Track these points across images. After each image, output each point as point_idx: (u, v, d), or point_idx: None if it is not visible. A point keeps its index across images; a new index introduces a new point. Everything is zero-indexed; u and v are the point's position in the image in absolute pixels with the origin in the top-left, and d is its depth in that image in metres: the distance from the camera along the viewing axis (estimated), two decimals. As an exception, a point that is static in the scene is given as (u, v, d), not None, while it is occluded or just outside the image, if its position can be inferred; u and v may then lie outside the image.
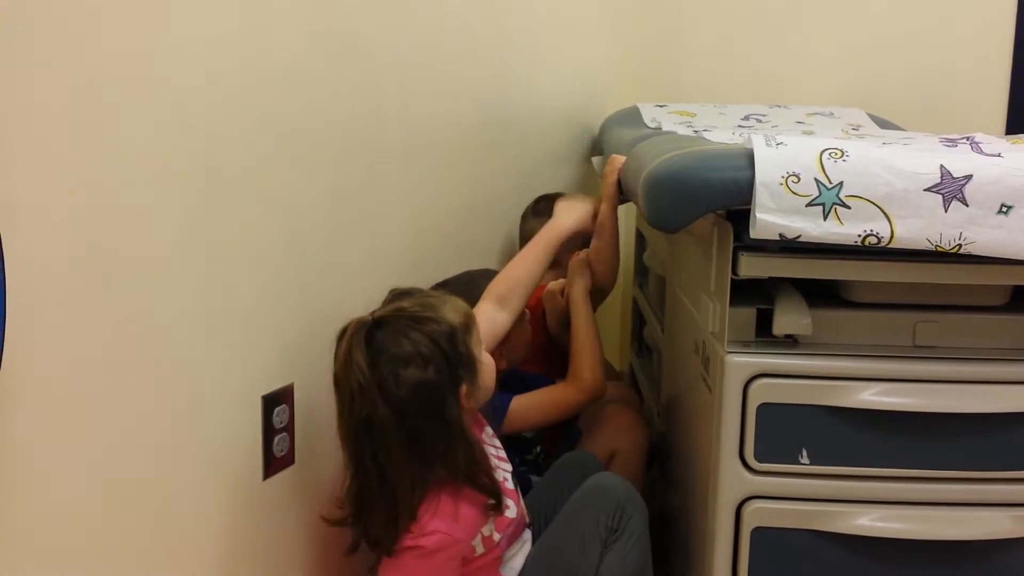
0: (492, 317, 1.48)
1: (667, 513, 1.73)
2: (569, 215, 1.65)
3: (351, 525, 1.23)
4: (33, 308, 0.86)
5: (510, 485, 1.36)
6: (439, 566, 1.21)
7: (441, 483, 1.22)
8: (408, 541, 1.20)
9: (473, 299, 1.48)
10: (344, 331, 1.22)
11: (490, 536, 1.29)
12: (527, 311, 1.68)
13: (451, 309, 1.26)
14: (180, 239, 1.04)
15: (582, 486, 1.38)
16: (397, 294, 1.31)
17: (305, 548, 1.31)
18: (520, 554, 1.37)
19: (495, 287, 1.51)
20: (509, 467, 1.40)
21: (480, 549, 1.28)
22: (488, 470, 1.27)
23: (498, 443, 1.43)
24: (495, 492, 1.25)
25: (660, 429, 1.90)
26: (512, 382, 1.63)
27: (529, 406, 1.56)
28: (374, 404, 1.17)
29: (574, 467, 1.51)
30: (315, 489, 1.33)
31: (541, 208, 1.94)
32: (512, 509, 1.33)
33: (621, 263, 2.57)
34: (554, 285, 1.77)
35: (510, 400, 1.53)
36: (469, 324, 1.28)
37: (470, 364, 1.25)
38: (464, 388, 1.24)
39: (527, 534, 1.39)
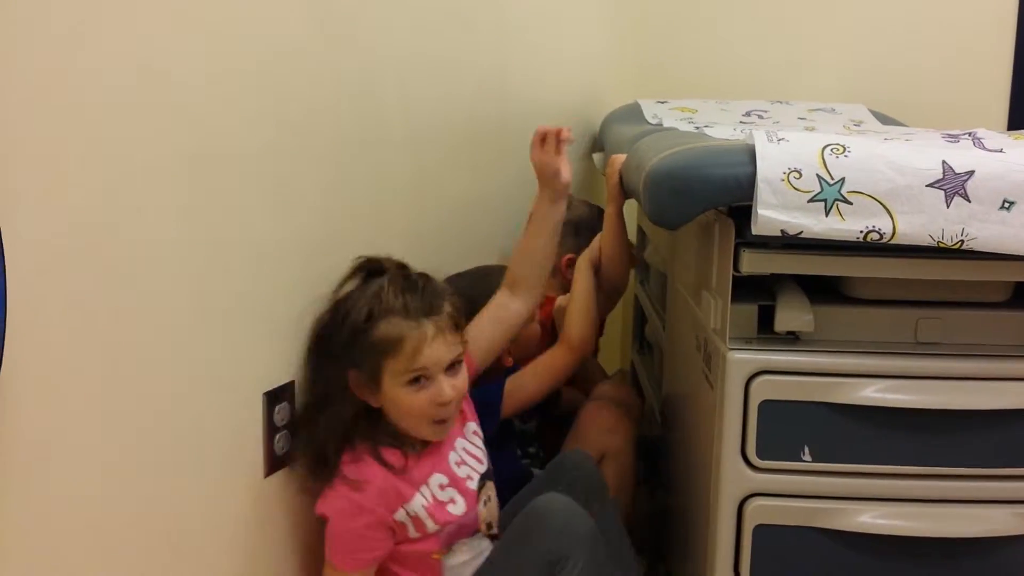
0: (501, 303, 1.48)
1: (663, 512, 1.73)
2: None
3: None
4: (33, 304, 0.86)
5: (471, 486, 1.33)
6: (354, 531, 1.24)
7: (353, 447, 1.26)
8: (321, 499, 1.25)
9: (486, 292, 1.50)
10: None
11: (421, 521, 1.26)
12: (537, 311, 1.69)
13: (389, 327, 1.24)
14: (180, 234, 1.03)
15: (523, 511, 1.30)
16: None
17: (306, 545, 1.31)
18: (472, 562, 1.32)
19: (506, 275, 1.51)
20: (482, 468, 1.37)
21: (412, 531, 1.27)
22: (386, 435, 1.28)
23: (478, 442, 1.40)
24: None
25: (652, 432, 1.90)
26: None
27: (522, 376, 1.55)
28: (319, 320, 1.29)
29: (568, 467, 1.48)
30: (316, 487, 1.32)
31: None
32: (459, 505, 1.30)
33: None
34: (563, 300, 1.77)
35: (503, 385, 1.52)
36: (389, 350, 1.24)
37: (370, 369, 1.25)
38: (355, 372, 1.26)
39: (484, 543, 1.35)
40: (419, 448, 1.30)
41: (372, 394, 1.27)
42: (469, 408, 1.43)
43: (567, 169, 1.50)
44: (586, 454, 1.52)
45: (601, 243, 1.75)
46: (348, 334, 1.25)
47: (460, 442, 1.37)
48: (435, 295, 1.30)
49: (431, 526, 1.27)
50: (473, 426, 1.42)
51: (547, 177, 1.51)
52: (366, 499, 1.23)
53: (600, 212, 1.87)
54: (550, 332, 1.76)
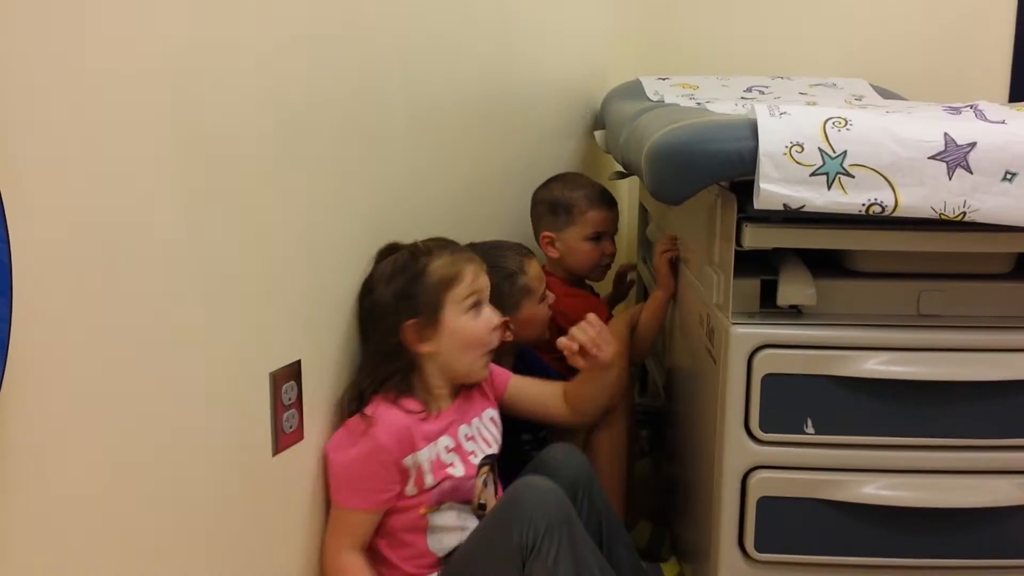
0: (554, 395, 1.53)
1: (668, 482, 1.74)
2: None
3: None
4: (40, 290, 0.86)
5: (473, 460, 1.38)
6: (367, 467, 1.29)
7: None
8: (336, 436, 1.33)
9: (499, 264, 1.57)
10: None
11: (423, 474, 1.31)
12: (549, 293, 1.69)
13: (444, 263, 1.37)
14: (186, 218, 1.04)
15: (504, 493, 1.34)
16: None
17: (314, 523, 1.32)
18: (456, 533, 1.35)
19: (568, 392, 1.53)
20: (489, 451, 1.40)
21: (411, 486, 1.31)
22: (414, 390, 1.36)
23: (493, 429, 1.44)
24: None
25: (656, 404, 1.91)
26: (526, 364, 1.64)
27: (524, 389, 1.53)
28: (359, 302, 1.39)
29: (550, 461, 1.44)
30: (324, 465, 1.33)
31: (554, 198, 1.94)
32: (458, 469, 1.34)
33: (624, 237, 2.58)
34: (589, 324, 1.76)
35: (508, 378, 1.53)
36: (451, 281, 1.36)
37: (429, 309, 1.35)
38: (412, 322, 1.34)
39: (472, 521, 1.36)
40: (436, 408, 1.37)
41: (429, 338, 1.35)
42: (491, 393, 1.47)
43: None
44: (571, 447, 1.50)
45: (641, 317, 1.76)
46: (404, 284, 1.35)
47: (476, 421, 1.42)
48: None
49: (429, 481, 1.32)
50: (492, 412, 1.45)
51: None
52: (382, 435, 1.29)
53: (582, 194, 1.89)
54: (556, 325, 1.74)
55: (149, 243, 0.99)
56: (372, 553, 1.33)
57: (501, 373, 1.51)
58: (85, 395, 0.93)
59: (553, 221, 1.91)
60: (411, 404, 1.34)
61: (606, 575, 1.32)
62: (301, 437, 1.27)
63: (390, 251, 1.41)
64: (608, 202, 1.91)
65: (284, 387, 1.23)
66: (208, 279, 1.08)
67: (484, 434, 1.42)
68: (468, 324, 1.37)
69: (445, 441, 1.35)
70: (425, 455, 1.32)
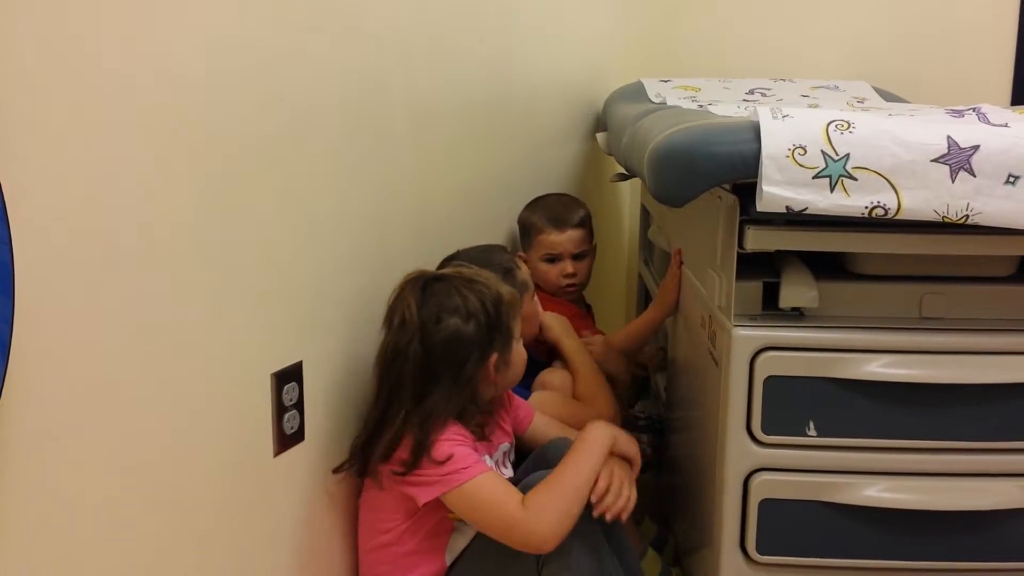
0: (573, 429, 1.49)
1: (670, 484, 1.74)
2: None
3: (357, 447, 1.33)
4: (42, 291, 0.86)
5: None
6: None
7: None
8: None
9: (491, 261, 1.55)
10: (405, 278, 1.35)
11: None
12: (535, 294, 1.70)
13: (503, 285, 1.36)
14: (189, 219, 1.04)
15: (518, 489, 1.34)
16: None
17: (315, 524, 1.32)
18: (464, 537, 1.34)
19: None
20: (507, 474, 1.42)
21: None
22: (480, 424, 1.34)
23: (508, 464, 1.45)
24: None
25: (652, 406, 1.91)
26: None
27: (543, 432, 1.53)
28: (410, 340, 1.29)
29: (550, 457, 1.43)
30: (325, 466, 1.33)
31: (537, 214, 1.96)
32: None
33: (626, 239, 2.58)
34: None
35: (532, 415, 1.54)
36: (515, 303, 1.36)
37: (506, 336, 1.33)
38: (494, 357, 1.32)
39: None
40: (481, 436, 1.36)
41: (501, 367, 1.34)
42: (510, 426, 1.47)
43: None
44: (569, 442, 1.50)
45: (632, 332, 1.80)
46: (492, 315, 1.31)
47: (496, 454, 1.42)
48: None
49: None
50: (507, 447, 1.46)
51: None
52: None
53: (539, 216, 1.92)
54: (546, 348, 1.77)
55: (150, 244, 0.99)
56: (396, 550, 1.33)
57: (526, 408, 1.52)
58: (86, 396, 0.92)
59: (523, 242, 1.97)
60: (461, 431, 1.31)
61: (618, 573, 1.32)
62: (302, 438, 1.27)
63: (423, 278, 1.34)
64: (563, 224, 1.91)
65: (285, 388, 1.23)
66: (210, 280, 1.08)
67: (502, 470, 1.42)
68: (522, 350, 1.39)
69: (488, 462, 1.34)
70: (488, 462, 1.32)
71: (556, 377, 1.73)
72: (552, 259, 1.91)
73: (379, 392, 1.32)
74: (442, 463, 1.25)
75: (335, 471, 1.34)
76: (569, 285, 1.93)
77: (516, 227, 1.98)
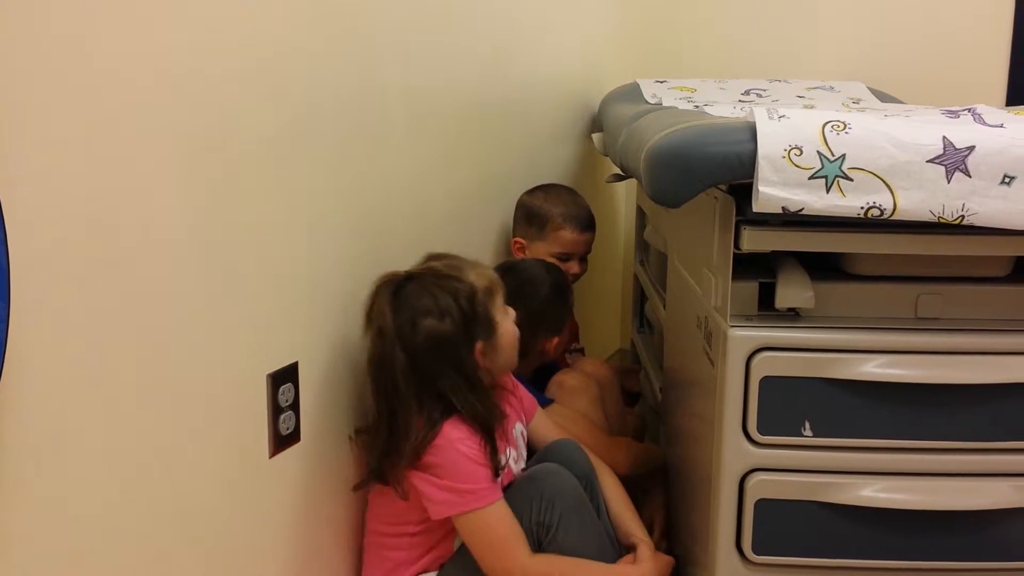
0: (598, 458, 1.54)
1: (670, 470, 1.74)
2: None
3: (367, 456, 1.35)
4: (38, 292, 0.86)
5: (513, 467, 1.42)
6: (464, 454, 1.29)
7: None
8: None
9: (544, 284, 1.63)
10: (377, 283, 1.34)
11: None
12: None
13: (477, 273, 1.37)
14: (184, 220, 1.04)
15: (524, 475, 1.40)
16: (432, 256, 1.43)
17: (310, 526, 1.32)
18: None
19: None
20: (516, 467, 1.44)
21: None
22: (493, 419, 1.34)
23: (522, 444, 1.47)
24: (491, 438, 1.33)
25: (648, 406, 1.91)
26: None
27: (543, 434, 1.54)
28: (392, 348, 1.30)
29: (560, 459, 1.46)
30: (321, 466, 1.33)
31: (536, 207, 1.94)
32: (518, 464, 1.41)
33: (621, 240, 2.59)
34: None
35: (536, 409, 1.56)
36: (493, 289, 1.37)
37: (487, 324, 1.35)
38: (479, 345, 1.34)
39: None
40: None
41: (490, 352, 1.36)
42: (521, 411, 1.49)
43: None
44: (576, 444, 1.52)
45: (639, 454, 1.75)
46: (465, 308, 1.32)
47: (514, 432, 1.45)
48: None
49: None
50: (521, 427, 1.48)
51: None
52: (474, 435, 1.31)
53: (559, 211, 1.90)
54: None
55: (147, 245, 0.98)
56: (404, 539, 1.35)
57: (531, 401, 1.54)
58: (83, 396, 0.92)
59: (527, 229, 1.93)
60: (478, 441, 1.32)
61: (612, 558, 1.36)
62: (298, 439, 1.27)
63: (394, 282, 1.35)
64: (584, 226, 1.92)
65: (281, 389, 1.23)
66: (206, 281, 1.08)
67: (519, 451, 1.44)
68: (510, 326, 1.40)
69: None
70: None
71: (572, 378, 1.73)
72: (565, 257, 1.91)
73: (377, 400, 1.33)
74: (459, 482, 1.28)
75: (355, 489, 1.37)
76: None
77: (511, 225, 1.98)
